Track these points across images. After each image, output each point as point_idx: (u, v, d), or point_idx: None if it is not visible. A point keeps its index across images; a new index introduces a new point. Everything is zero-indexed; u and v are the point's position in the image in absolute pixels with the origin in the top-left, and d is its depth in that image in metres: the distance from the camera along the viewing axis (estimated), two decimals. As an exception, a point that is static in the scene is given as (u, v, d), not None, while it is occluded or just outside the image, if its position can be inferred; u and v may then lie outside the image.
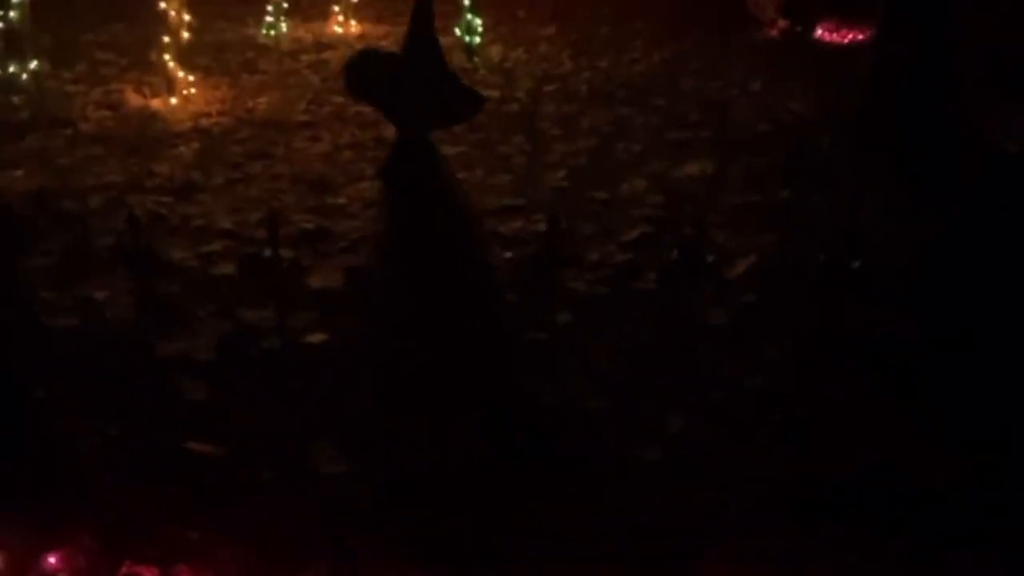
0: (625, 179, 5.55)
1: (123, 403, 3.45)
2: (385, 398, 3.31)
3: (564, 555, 2.80)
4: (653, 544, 2.85)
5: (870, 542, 2.81)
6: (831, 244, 4.13)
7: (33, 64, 7.14)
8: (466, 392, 3.16)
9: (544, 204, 5.10)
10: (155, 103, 6.74)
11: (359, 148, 6.07)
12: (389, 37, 9.06)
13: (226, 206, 5.04)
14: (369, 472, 3.12)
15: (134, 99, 6.84)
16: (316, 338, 3.85)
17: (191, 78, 6.85)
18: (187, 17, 6.76)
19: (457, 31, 8.49)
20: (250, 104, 6.85)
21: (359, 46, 8.76)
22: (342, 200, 5.20)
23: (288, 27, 8.78)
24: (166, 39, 6.73)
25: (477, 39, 8.32)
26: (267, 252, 4.40)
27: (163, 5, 6.65)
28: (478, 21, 8.36)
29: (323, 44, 8.55)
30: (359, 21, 9.14)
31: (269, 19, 8.66)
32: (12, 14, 6.78)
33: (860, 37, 9.78)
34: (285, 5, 8.75)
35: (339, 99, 7.12)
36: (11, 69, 6.85)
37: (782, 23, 9.85)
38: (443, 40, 9.68)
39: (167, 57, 6.72)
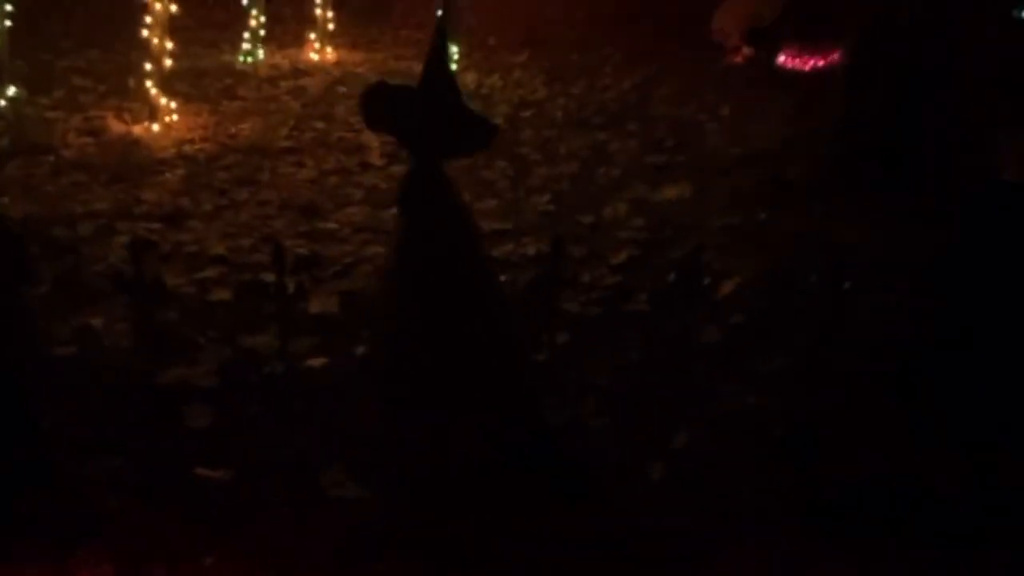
0: (608, 203, 5.68)
1: (127, 431, 3.47)
2: (391, 417, 3.39)
3: (567, 560, 2.89)
4: (657, 548, 2.95)
5: (872, 546, 2.92)
6: (818, 264, 4.28)
7: (11, 91, 7.13)
8: (471, 407, 3.25)
9: (532, 228, 5.22)
10: (137, 130, 6.74)
11: (345, 174, 6.14)
12: (365, 64, 9.17)
13: (217, 232, 5.07)
14: (380, 496, 3.18)
15: (115, 126, 6.83)
16: (317, 362, 3.90)
17: (173, 105, 6.87)
18: (169, 44, 6.79)
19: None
20: (232, 130, 6.89)
21: (336, 72, 8.90)
22: (332, 225, 5.26)
23: (264, 54, 8.83)
24: (147, 66, 6.74)
25: (452, 66, 8.44)
26: (269, 278, 4.49)
27: (145, 32, 6.67)
28: (453, 48, 8.49)
29: (300, 71, 8.61)
30: (334, 48, 9.21)
31: (245, 46, 8.71)
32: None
33: (821, 63, 10.09)
34: (262, 32, 8.80)
35: (321, 125, 7.20)
36: (-12, 95, 6.83)
37: (746, 50, 10.11)
38: (417, 69, 9.85)
39: (149, 84, 6.73)
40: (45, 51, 8.53)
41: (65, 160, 6.23)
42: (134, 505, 3.14)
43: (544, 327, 3.71)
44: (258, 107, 7.56)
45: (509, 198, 5.77)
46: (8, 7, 7.17)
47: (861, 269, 4.20)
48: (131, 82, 7.37)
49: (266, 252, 4.85)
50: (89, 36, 9.13)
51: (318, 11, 9.04)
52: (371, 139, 6.93)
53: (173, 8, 6.74)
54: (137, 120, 6.94)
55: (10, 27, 7.28)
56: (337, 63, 8.95)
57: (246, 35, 8.72)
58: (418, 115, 2.94)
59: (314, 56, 9.00)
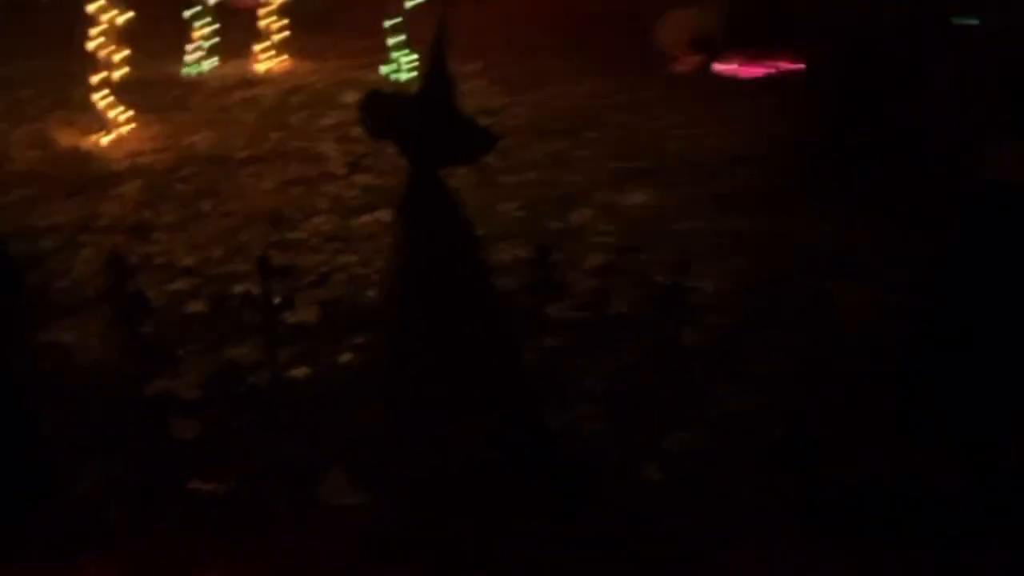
0: (575, 209, 5.72)
1: (116, 446, 3.40)
2: (391, 419, 3.37)
3: (567, 560, 2.90)
4: (657, 549, 2.98)
5: (871, 546, 2.97)
6: (798, 266, 4.38)
7: (-52, 102, 6.91)
8: (470, 409, 3.26)
9: (506, 234, 5.23)
10: (88, 141, 6.58)
11: (307, 183, 6.07)
12: (316, 74, 9.07)
13: (185, 244, 4.97)
14: (380, 501, 3.16)
15: (64, 137, 6.65)
16: (301, 372, 3.86)
17: (125, 116, 6.72)
18: (121, 54, 6.64)
19: (384, 69, 8.59)
20: (187, 141, 6.75)
21: (288, 82, 8.80)
22: (302, 235, 5.20)
23: (212, 64, 8.69)
24: (97, 76, 6.58)
25: (405, 76, 8.43)
26: (242, 289, 4.43)
27: (95, 42, 6.51)
28: (407, 59, 8.47)
29: (251, 81, 8.48)
30: (284, 58, 9.11)
31: (193, 56, 8.55)
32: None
33: (764, 71, 10.36)
34: (210, 43, 8.66)
35: (278, 135, 7.10)
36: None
37: (691, 59, 10.32)
38: (374, 78, 9.80)
39: (99, 94, 6.57)
40: (-19, 60, 8.28)
41: (13, 174, 6.05)
42: (132, 520, 3.08)
43: (532, 332, 3.73)
44: (211, 117, 7.43)
45: (477, 205, 5.76)
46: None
47: (839, 271, 4.31)
48: (76, 92, 7.20)
49: (237, 263, 4.83)
50: (28, 44, 8.86)
51: (267, 21, 8.94)
52: (330, 148, 6.89)
53: (123, 17, 6.59)
54: (87, 131, 6.77)
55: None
56: (288, 73, 8.84)
57: (194, 45, 8.57)
58: (418, 122, 2.94)
59: (263, 66, 8.89)
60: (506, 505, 3.12)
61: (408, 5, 8.43)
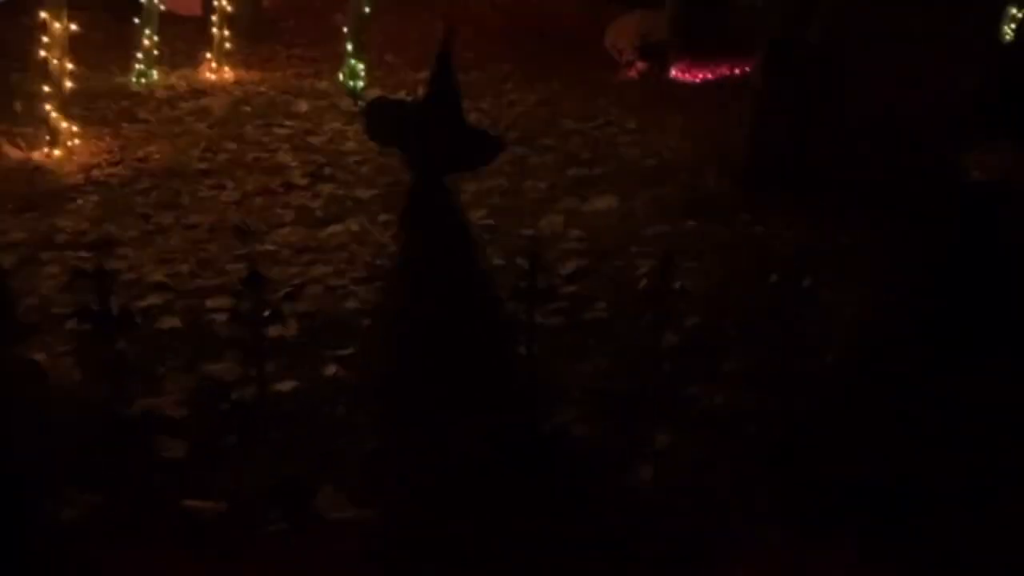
0: (542, 216, 5.75)
1: (100, 469, 3.29)
2: (390, 423, 3.36)
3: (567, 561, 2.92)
4: (654, 548, 3.01)
5: (871, 546, 3.03)
6: (769, 266, 4.46)
7: None
8: (467, 411, 3.27)
9: (478, 242, 5.22)
10: (36, 155, 6.38)
11: (269, 194, 5.99)
12: (265, 83, 8.96)
13: (151, 258, 4.86)
14: (379, 513, 3.13)
15: (11, 152, 6.44)
16: (286, 386, 3.80)
17: (74, 129, 6.54)
18: (70, 66, 6.47)
19: (340, 76, 8.52)
20: (140, 154, 6.61)
21: (237, 92, 8.67)
22: (270, 247, 5.13)
23: (159, 75, 8.51)
24: (46, 88, 6.40)
25: (361, 84, 8.37)
26: (215, 303, 4.35)
27: (43, 53, 6.33)
28: (361, 67, 8.42)
29: (199, 91, 8.34)
30: (231, 67, 8.97)
31: (139, 67, 8.37)
32: None
33: (710, 76, 10.55)
34: (156, 52, 8.48)
35: (233, 146, 7.00)
36: None
37: (639, 64, 10.45)
38: (325, 86, 9.72)
39: (48, 107, 6.39)
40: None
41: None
42: (122, 546, 2.99)
43: (520, 337, 3.74)
44: (162, 129, 7.28)
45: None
46: None
47: (811, 270, 4.41)
48: (18, 106, 6.99)
49: (207, 276, 4.74)
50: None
51: (214, 30, 8.80)
52: (289, 158, 6.81)
53: (73, 27, 6.42)
54: (34, 145, 6.57)
55: None
56: (236, 82, 8.72)
57: (139, 55, 8.39)
58: (424, 129, 2.93)
59: (211, 76, 8.74)
60: (505, 507, 3.12)
61: (360, 13, 8.38)
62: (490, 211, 5.81)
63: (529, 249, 3.69)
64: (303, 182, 6.20)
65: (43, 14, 6.22)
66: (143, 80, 8.33)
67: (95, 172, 6.23)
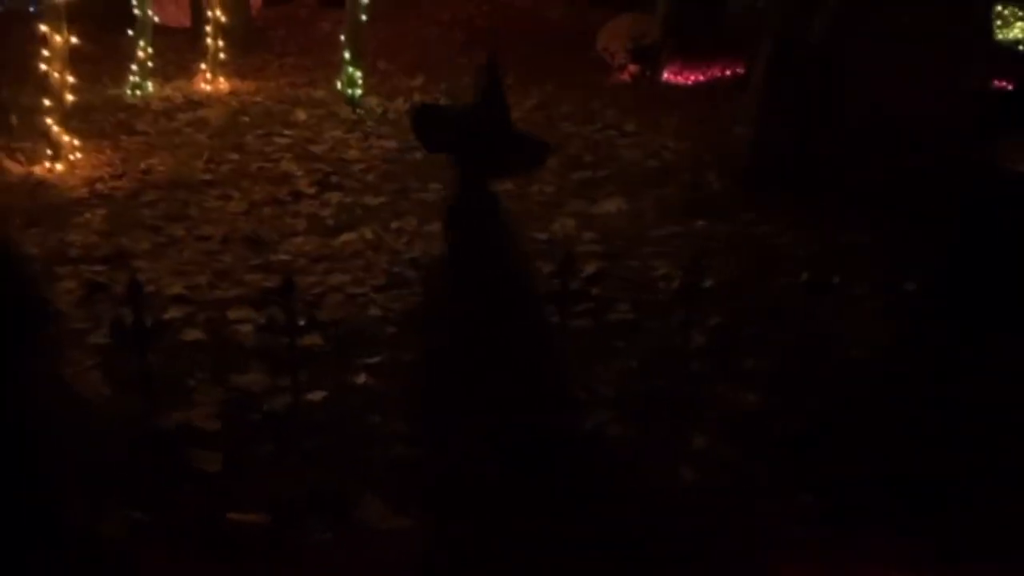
0: (555, 219, 5.76)
1: (138, 484, 3.26)
2: (421, 439, 3.34)
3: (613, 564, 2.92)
4: (671, 549, 3.01)
5: (886, 545, 3.04)
6: (781, 266, 4.50)
7: None
8: (504, 418, 3.26)
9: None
10: (38, 170, 6.32)
11: (278, 204, 5.95)
12: (260, 93, 8.93)
13: (168, 271, 4.81)
14: (422, 523, 3.11)
15: (11, 166, 6.38)
16: (317, 396, 3.78)
17: (76, 142, 6.48)
18: (71, 79, 6.41)
19: (339, 84, 8.50)
20: (143, 166, 6.56)
21: (234, 102, 8.62)
22: (285, 257, 5.09)
23: (153, 86, 8.46)
24: (46, 102, 6.34)
25: (359, 91, 8.35)
26: (236, 315, 4.32)
27: (44, 66, 6.27)
28: (358, 74, 8.40)
29: (195, 102, 8.30)
30: (225, 78, 8.93)
31: (134, 79, 8.31)
32: None
33: (702, 78, 10.61)
34: (150, 64, 8.42)
35: (235, 156, 6.96)
36: None
37: (632, 67, 10.50)
38: (321, 95, 9.72)
39: (49, 121, 6.32)
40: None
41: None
42: (169, 560, 2.95)
43: (552, 341, 3.74)
44: (162, 141, 7.23)
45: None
46: None
47: (826, 269, 4.44)
48: (14, 119, 6.92)
49: (225, 287, 4.70)
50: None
51: (208, 41, 8.76)
52: (293, 167, 6.78)
53: (73, 40, 6.37)
54: (34, 159, 6.51)
55: None
56: (232, 93, 8.68)
57: (134, 67, 8.33)
58: (473, 134, 2.93)
59: (206, 87, 8.70)
60: (547, 511, 3.12)
61: (356, 19, 8.36)
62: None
63: (562, 252, 3.70)
64: (310, 191, 6.17)
65: (43, 27, 6.16)
66: (138, 92, 8.28)
67: (99, 185, 6.17)
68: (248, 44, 10.28)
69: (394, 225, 5.56)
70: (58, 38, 6.21)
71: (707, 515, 3.18)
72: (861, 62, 6.38)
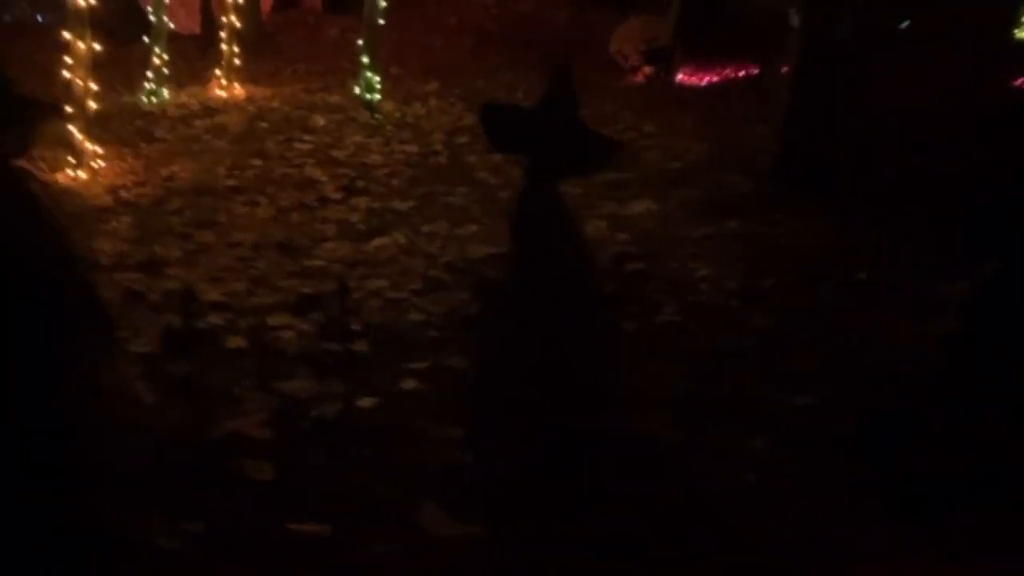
0: (586, 220, 5.69)
1: (193, 495, 3.20)
2: (477, 444, 3.30)
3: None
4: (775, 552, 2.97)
5: (958, 541, 3.01)
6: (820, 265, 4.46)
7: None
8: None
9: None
10: (61, 178, 6.26)
11: (305, 209, 5.91)
12: (276, 98, 8.88)
13: (203, 277, 4.75)
14: (486, 530, 3.07)
15: (36, 174, 6.31)
16: (366, 402, 3.73)
17: (98, 150, 6.43)
18: (94, 86, 6.36)
19: (356, 89, 8.46)
20: (165, 173, 6.51)
21: (251, 108, 8.57)
22: (319, 262, 5.04)
23: (169, 93, 8.41)
24: (69, 109, 6.28)
25: (377, 96, 8.31)
26: (277, 321, 4.28)
27: (67, 74, 6.22)
28: (376, 79, 8.36)
29: (211, 108, 8.25)
30: (240, 84, 8.88)
31: (149, 85, 8.27)
32: None
33: (715, 79, 10.59)
34: (165, 71, 8.38)
35: (258, 162, 6.91)
36: None
37: (646, 69, 10.48)
38: (337, 100, 9.66)
39: (73, 129, 6.27)
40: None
41: (-9, 214, 5.70)
42: (230, 573, 2.90)
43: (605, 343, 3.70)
44: (182, 147, 7.18)
45: (488, 223, 5.71)
46: None
47: (868, 268, 4.42)
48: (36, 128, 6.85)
49: (263, 294, 4.65)
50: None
51: (223, 47, 8.71)
52: (317, 173, 6.73)
53: (97, 47, 6.32)
54: (56, 167, 6.44)
55: None
56: (248, 99, 8.64)
57: (149, 74, 8.29)
58: (545, 134, 2.89)
59: (221, 93, 8.65)
60: (611, 514, 3.08)
61: (373, 23, 8.33)
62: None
63: (616, 253, 3.67)
64: (337, 196, 6.13)
65: (67, 34, 6.11)
66: (154, 99, 8.23)
67: (122, 193, 6.12)
68: (259, 50, 10.23)
69: (425, 229, 5.52)
70: (81, 45, 6.16)
71: (776, 516, 3.14)
72: (887, 61, 6.37)
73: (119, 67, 9.08)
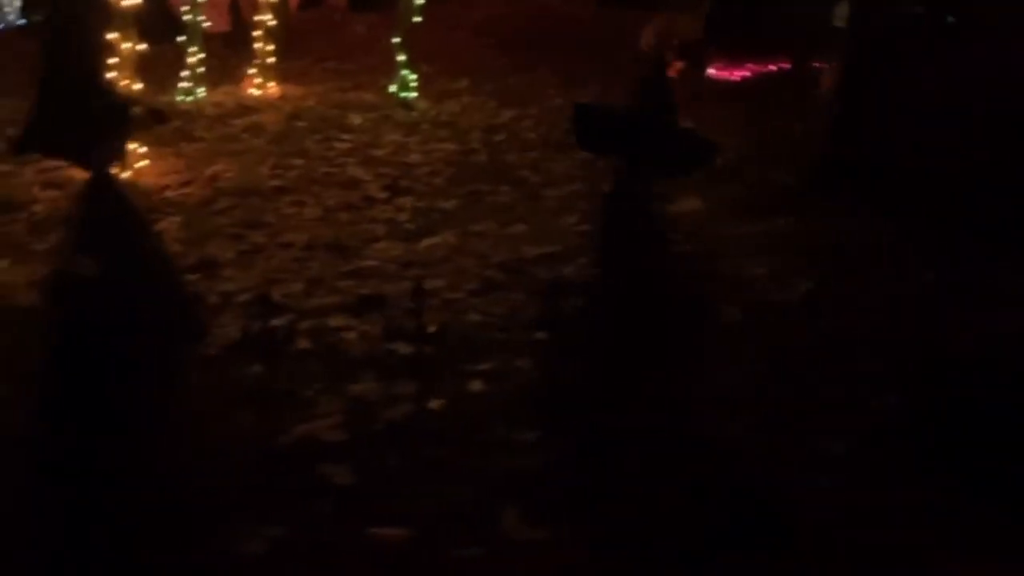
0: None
1: (271, 500, 3.20)
2: (552, 447, 3.29)
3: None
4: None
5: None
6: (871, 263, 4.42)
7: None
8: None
9: (580, 250, 5.15)
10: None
11: (353, 209, 5.89)
12: (311, 97, 8.85)
13: (259, 279, 4.75)
14: (570, 534, 3.05)
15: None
16: (436, 404, 3.72)
17: (142, 150, 6.42)
18: (138, 86, 6.35)
19: (393, 88, 8.44)
20: (208, 173, 6.50)
21: (287, 107, 8.54)
22: (372, 263, 5.02)
23: (204, 92, 8.40)
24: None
25: (413, 94, 8.29)
26: (336, 323, 4.27)
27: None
28: (412, 77, 8.34)
29: (248, 107, 8.23)
30: (275, 83, 8.86)
31: (184, 84, 8.26)
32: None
33: (748, 74, 10.54)
34: (200, 70, 8.37)
35: (300, 162, 6.89)
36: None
37: (679, 64, 10.41)
38: (372, 99, 9.58)
39: (116, 129, 6.26)
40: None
41: (40, 216, 5.71)
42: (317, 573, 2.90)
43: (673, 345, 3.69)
44: (222, 147, 7.17)
45: (536, 221, 5.68)
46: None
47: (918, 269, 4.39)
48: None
49: (321, 295, 4.64)
50: (3, 81, 8.44)
51: (257, 45, 8.69)
52: (361, 173, 6.71)
53: (141, 47, 6.31)
54: (99, 168, 6.44)
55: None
56: (283, 98, 8.61)
57: (184, 73, 8.28)
58: (640, 135, 2.88)
59: (256, 91, 8.63)
60: (691, 522, 3.06)
61: (408, 21, 8.30)
62: (580, 217, 5.74)
63: (673, 252, 3.65)
64: (382, 195, 6.10)
65: (112, 34, 6.10)
66: (189, 98, 8.22)
67: (168, 193, 6.11)
68: (288, 48, 10.20)
69: (474, 229, 5.50)
70: (127, 45, 6.15)
71: (865, 518, 3.12)
72: (937, 57, 6.32)
73: (152, 67, 9.06)
